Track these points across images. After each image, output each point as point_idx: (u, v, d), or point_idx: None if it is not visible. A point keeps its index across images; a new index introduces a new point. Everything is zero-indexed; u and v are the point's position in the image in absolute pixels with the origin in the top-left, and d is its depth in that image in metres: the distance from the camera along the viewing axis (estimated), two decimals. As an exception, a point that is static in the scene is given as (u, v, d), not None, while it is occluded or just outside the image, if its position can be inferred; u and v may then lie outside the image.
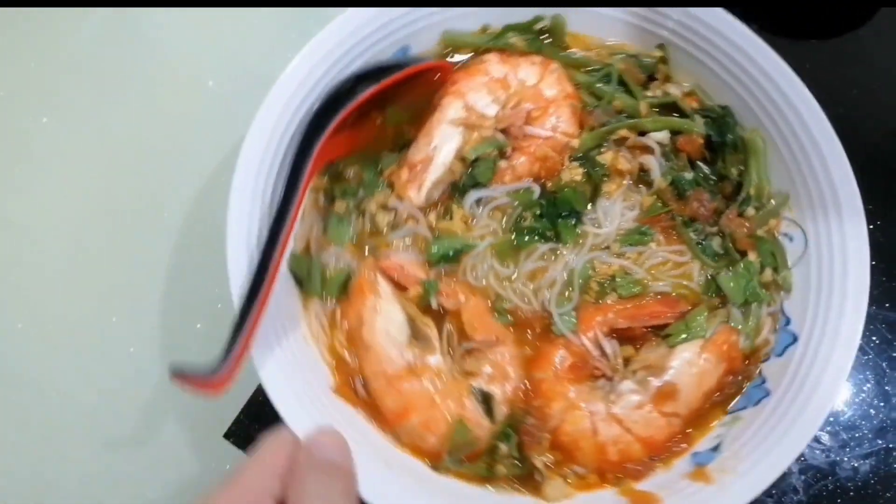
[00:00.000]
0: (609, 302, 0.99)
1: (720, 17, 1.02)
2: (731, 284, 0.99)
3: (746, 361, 0.98)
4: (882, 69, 1.28)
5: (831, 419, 1.07)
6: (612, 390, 0.95)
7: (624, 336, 0.98)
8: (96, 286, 1.15)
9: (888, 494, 1.04)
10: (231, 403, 1.07)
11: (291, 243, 0.96)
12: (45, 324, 1.13)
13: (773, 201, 1.03)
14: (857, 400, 1.09)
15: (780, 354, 0.97)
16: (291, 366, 0.91)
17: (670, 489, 0.90)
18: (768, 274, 1.00)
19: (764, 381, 0.97)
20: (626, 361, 0.97)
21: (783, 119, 1.01)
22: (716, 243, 1.02)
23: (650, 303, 0.99)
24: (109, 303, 1.14)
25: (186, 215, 1.17)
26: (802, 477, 1.04)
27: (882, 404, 1.09)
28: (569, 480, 0.93)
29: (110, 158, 1.21)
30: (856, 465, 1.05)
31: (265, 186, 0.94)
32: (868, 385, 1.10)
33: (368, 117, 1.03)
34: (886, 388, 1.09)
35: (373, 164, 1.03)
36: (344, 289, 0.98)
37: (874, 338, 1.13)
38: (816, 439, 1.05)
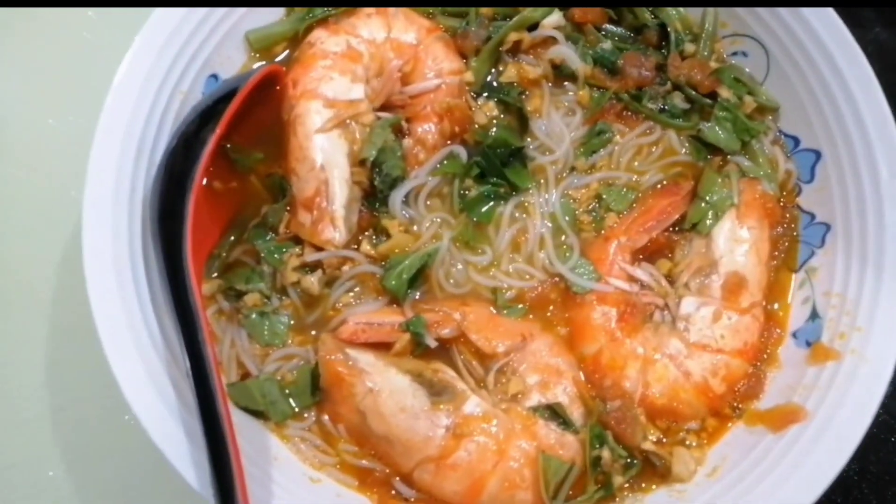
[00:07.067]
0: (612, 225, 0.82)
1: None
2: (720, 134, 0.86)
3: (782, 204, 0.85)
4: None
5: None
6: (677, 318, 0.78)
7: (651, 252, 0.83)
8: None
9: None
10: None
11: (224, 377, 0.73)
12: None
13: (706, 25, 0.88)
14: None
15: (811, 180, 0.84)
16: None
17: (803, 388, 0.76)
18: (748, 101, 0.87)
19: (814, 216, 0.83)
20: (671, 278, 0.81)
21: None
22: (678, 99, 0.88)
23: (653, 201, 0.84)
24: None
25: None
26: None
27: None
28: (690, 443, 0.77)
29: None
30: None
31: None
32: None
33: (221, 181, 0.81)
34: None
35: (260, 229, 0.81)
36: (315, 389, 0.76)
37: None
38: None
